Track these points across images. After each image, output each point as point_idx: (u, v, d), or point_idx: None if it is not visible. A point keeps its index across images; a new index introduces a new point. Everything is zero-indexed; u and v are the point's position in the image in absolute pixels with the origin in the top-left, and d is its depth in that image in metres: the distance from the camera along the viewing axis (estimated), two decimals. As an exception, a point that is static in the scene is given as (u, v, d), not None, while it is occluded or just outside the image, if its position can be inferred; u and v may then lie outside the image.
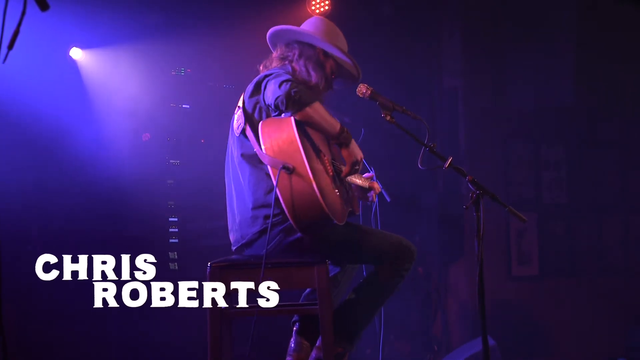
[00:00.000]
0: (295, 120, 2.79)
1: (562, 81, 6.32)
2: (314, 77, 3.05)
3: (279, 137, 2.79)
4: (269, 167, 2.79)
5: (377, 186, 3.42)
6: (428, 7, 6.30)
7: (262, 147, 2.79)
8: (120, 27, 5.05)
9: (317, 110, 2.81)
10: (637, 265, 6.62)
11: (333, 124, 2.88)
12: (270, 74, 2.89)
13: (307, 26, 3.22)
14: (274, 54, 3.19)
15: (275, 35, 3.20)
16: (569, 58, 6.30)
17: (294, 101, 2.73)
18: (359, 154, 2.99)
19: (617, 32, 6.18)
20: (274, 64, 3.14)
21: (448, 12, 6.35)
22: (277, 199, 2.74)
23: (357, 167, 2.99)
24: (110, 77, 5.11)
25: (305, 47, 3.12)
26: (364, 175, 3.41)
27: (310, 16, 5.44)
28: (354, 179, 3.29)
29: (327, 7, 5.65)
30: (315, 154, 2.93)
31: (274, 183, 2.74)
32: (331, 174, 3.00)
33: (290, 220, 2.76)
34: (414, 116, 2.98)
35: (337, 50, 3.13)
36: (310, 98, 2.78)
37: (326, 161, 3.02)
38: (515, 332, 6.05)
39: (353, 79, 3.26)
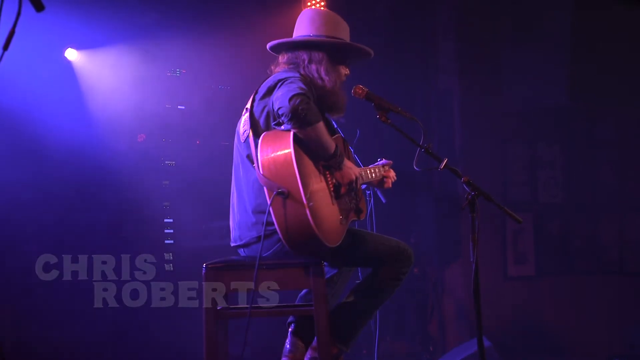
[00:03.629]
0: (294, 136, 2.74)
1: (557, 81, 6.32)
2: (327, 82, 3.00)
3: (275, 158, 2.73)
4: (264, 188, 2.74)
5: (392, 174, 3.41)
6: (423, 8, 6.30)
7: (260, 166, 2.75)
8: (115, 28, 5.04)
9: (317, 132, 2.76)
10: (633, 264, 6.62)
11: (328, 147, 2.84)
12: (285, 79, 2.82)
13: (304, 23, 3.13)
14: (281, 59, 3.11)
15: (276, 45, 3.13)
16: (565, 58, 6.30)
17: (299, 118, 2.68)
18: (353, 173, 2.97)
19: (612, 32, 6.19)
20: (280, 68, 3.07)
21: (443, 12, 6.35)
22: (269, 220, 2.71)
23: (354, 186, 2.99)
24: (105, 78, 5.11)
25: (313, 51, 3.05)
26: (377, 163, 3.39)
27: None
28: (367, 174, 3.26)
29: (322, 8, 5.63)
30: (316, 170, 2.87)
31: (268, 203, 2.70)
32: (332, 188, 2.96)
33: (283, 241, 2.74)
34: (409, 117, 2.98)
35: (342, 42, 3.08)
36: (314, 117, 2.72)
37: (328, 175, 2.96)
38: (512, 332, 6.06)
39: (366, 55, 3.18)
